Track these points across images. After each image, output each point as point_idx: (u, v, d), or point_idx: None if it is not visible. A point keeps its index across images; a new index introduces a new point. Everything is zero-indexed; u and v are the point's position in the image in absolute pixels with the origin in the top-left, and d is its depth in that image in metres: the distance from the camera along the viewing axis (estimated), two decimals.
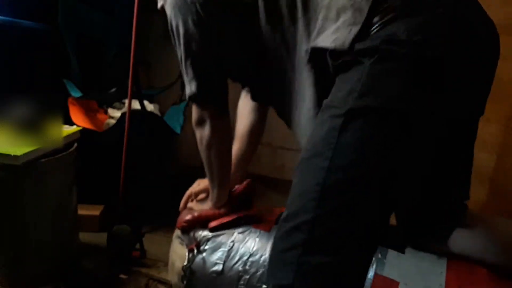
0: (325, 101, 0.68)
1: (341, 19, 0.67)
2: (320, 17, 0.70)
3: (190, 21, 0.84)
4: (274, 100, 0.93)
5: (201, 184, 1.16)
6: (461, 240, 0.89)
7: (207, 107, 0.93)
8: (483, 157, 1.64)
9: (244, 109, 1.15)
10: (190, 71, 0.89)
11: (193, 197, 1.18)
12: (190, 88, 0.90)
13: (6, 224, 1.25)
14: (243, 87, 1.09)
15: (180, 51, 0.88)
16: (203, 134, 0.97)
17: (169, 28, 0.89)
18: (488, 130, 1.62)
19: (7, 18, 1.57)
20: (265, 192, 2.20)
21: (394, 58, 0.61)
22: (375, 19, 0.64)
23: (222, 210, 1.10)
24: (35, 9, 1.72)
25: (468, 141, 0.81)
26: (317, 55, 0.71)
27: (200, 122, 0.96)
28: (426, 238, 0.92)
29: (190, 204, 1.17)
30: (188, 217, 1.10)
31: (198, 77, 0.89)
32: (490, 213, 1.45)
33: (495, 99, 1.46)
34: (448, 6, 0.64)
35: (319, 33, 0.70)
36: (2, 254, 1.28)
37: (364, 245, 0.64)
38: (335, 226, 0.62)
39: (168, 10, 0.87)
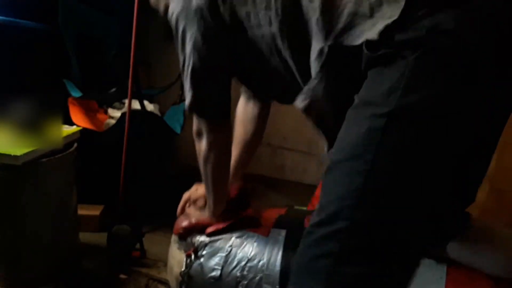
0: (360, 96, 0.62)
1: (378, 14, 0.61)
2: (346, 12, 0.64)
3: (196, 27, 0.82)
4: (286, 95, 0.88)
5: (199, 189, 1.15)
6: (459, 248, 0.88)
7: (204, 120, 0.92)
8: None
9: (244, 117, 1.14)
10: (188, 81, 0.87)
11: (190, 202, 1.17)
12: (187, 99, 0.90)
13: (6, 224, 1.25)
14: (248, 88, 1.07)
15: (182, 57, 0.87)
16: (200, 147, 0.97)
17: (174, 33, 0.87)
18: None
19: (7, 18, 1.57)
20: (265, 192, 2.20)
21: (441, 52, 0.56)
22: (419, 9, 0.58)
23: (220, 219, 1.10)
24: (35, 9, 1.72)
25: (494, 141, 0.78)
26: (336, 54, 0.66)
27: (198, 134, 0.96)
28: (440, 242, 0.90)
29: (188, 210, 1.17)
30: (185, 223, 1.10)
31: (195, 89, 0.87)
32: (492, 220, 1.45)
33: None
34: None
35: (345, 30, 0.64)
36: (2, 254, 1.28)
37: (404, 258, 0.59)
38: (373, 235, 0.57)
39: (174, 16, 0.85)
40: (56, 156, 1.27)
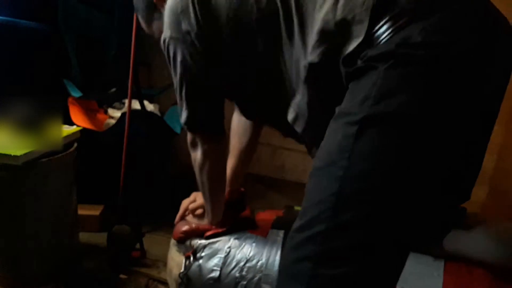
0: (339, 108, 0.65)
1: (345, 34, 0.65)
2: (316, 30, 0.68)
3: (186, 52, 0.84)
4: (272, 117, 0.92)
5: (197, 199, 1.16)
6: (456, 240, 0.89)
7: (198, 133, 0.95)
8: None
9: (238, 127, 1.17)
10: (184, 102, 0.90)
11: (189, 211, 1.18)
12: (183, 116, 0.93)
13: (6, 224, 1.25)
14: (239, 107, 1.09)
15: (176, 80, 0.90)
16: (195, 156, 0.99)
17: (166, 57, 0.90)
18: None
19: (7, 18, 1.57)
20: (265, 192, 2.20)
21: (410, 62, 0.58)
22: (385, 26, 0.61)
23: (219, 226, 1.11)
24: (35, 9, 1.72)
25: (482, 143, 0.77)
26: (315, 70, 0.70)
27: (193, 145, 0.98)
28: (430, 239, 0.91)
29: (187, 218, 1.17)
30: (185, 228, 1.11)
31: (190, 107, 0.90)
32: (486, 214, 1.45)
33: None
34: (460, 3, 0.62)
35: (314, 48, 0.68)
36: (2, 254, 1.28)
37: (382, 259, 0.61)
38: (350, 237, 0.59)
39: (166, 41, 0.88)
40: (56, 156, 1.27)
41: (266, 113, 0.95)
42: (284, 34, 0.74)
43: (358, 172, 0.59)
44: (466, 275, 0.86)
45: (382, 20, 0.62)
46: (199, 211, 1.15)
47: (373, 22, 0.62)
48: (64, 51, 1.80)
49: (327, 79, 0.71)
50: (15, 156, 1.15)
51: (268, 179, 2.39)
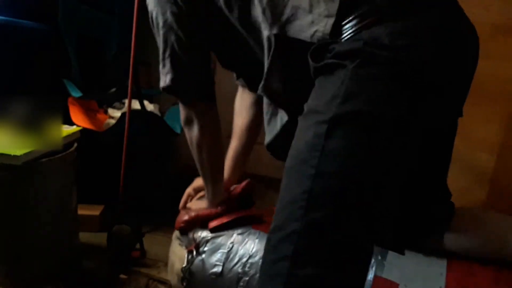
0: (307, 105, 0.66)
1: (316, 11, 0.66)
2: (290, 5, 0.69)
3: (168, 12, 0.84)
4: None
5: (200, 181, 1.16)
6: (454, 238, 0.89)
7: (190, 103, 0.94)
8: (483, 157, 1.64)
9: (241, 105, 1.15)
10: (167, 63, 0.89)
11: (193, 194, 1.18)
12: (164, 80, 0.92)
13: (6, 224, 1.25)
14: (235, 73, 1.08)
15: (159, 42, 0.89)
16: (192, 134, 0.99)
17: (150, 19, 0.89)
18: (488, 130, 1.62)
19: (7, 18, 1.57)
20: (265, 192, 2.20)
21: (377, 63, 0.60)
22: (354, 21, 0.63)
23: (219, 209, 1.10)
24: (35, 9, 1.72)
25: (447, 140, 0.81)
26: (282, 44, 0.70)
27: (188, 122, 0.98)
28: (422, 239, 0.92)
29: (189, 204, 1.17)
30: (186, 217, 1.10)
31: (174, 69, 0.89)
32: (480, 207, 1.45)
33: (495, 99, 1.46)
34: (431, 11, 0.64)
35: (289, 21, 0.69)
36: (2, 254, 1.28)
37: (355, 255, 0.61)
38: (323, 235, 0.59)
39: (150, 7, 0.88)
40: (56, 156, 1.27)
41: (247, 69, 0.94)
42: (256, 4, 0.74)
43: (328, 170, 0.60)
44: (469, 274, 0.86)
45: (352, 15, 0.63)
46: (201, 193, 1.15)
47: (343, 15, 0.63)
48: (64, 51, 1.80)
49: (294, 56, 0.71)
50: (15, 156, 1.15)
51: (268, 179, 2.39)
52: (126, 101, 1.57)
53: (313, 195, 0.59)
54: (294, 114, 0.73)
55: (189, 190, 1.19)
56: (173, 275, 1.13)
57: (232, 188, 1.17)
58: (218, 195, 1.09)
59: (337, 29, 0.64)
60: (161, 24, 0.86)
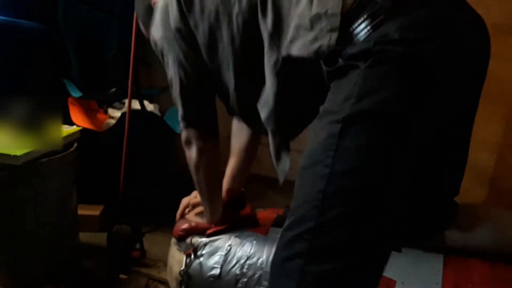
0: (322, 107, 0.67)
1: (317, 27, 0.66)
2: (293, 25, 0.70)
3: (178, 49, 0.86)
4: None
5: (198, 196, 1.16)
6: (455, 233, 0.89)
7: (193, 130, 0.96)
8: (483, 157, 1.64)
9: (238, 126, 1.16)
10: (178, 98, 0.92)
11: (190, 207, 1.18)
12: (179, 114, 0.95)
13: (6, 224, 1.25)
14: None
15: (169, 78, 0.92)
16: (190, 155, 1.00)
17: (159, 56, 0.92)
18: (488, 130, 1.62)
19: (7, 18, 1.57)
20: (265, 192, 2.20)
21: (389, 59, 0.60)
22: (364, 23, 0.63)
23: (217, 227, 1.11)
24: (35, 9, 1.72)
25: (462, 139, 0.80)
26: (289, 64, 0.71)
27: (187, 143, 0.99)
28: (422, 235, 0.92)
29: (187, 216, 1.18)
30: (185, 226, 1.11)
31: (184, 105, 0.92)
32: (481, 203, 1.45)
33: (495, 99, 1.46)
34: (436, 4, 0.64)
35: (292, 42, 0.70)
36: (2, 254, 1.28)
37: (369, 252, 0.62)
38: (337, 234, 0.60)
39: (156, 37, 0.90)
40: (56, 156, 1.27)
41: (247, 109, 0.95)
42: (262, 29, 0.75)
43: (343, 169, 0.60)
44: (465, 270, 0.87)
45: (360, 18, 0.63)
46: (198, 209, 1.16)
47: (351, 20, 0.64)
48: (64, 51, 1.80)
49: (299, 73, 0.73)
50: (15, 156, 1.15)
51: (268, 179, 2.39)
52: (126, 101, 1.57)
53: (327, 194, 0.60)
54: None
55: (186, 201, 1.19)
56: (172, 279, 1.13)
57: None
58: (216, 214, 1.10)
59: (345, 36, 0.64)
60: (171, 60, 0.88)
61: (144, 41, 1.61)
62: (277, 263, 0.66)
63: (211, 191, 1.06)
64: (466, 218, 0.90)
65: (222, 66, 0.86)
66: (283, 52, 0.71)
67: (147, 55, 2.25)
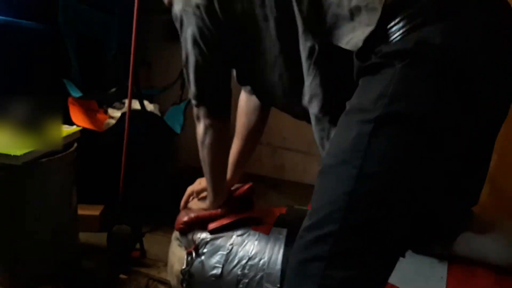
0: (351, 103, 0.64)
1: (357, 19, 0.64)
2: (330, 13, 0.67)
3: (195, 25, 0.83)
4: (276, 97, 0.90)
5: (202, 183, 1.16)
6: (467, 243, 0.88)
7: (202, 107, 0.95)
8: None
9: (245, 107, 1.14)
10: (192, 74, 0.90)
11: (194, 195, 1.17)
12: (191, 89, 0.93)
13: (6, 224, 1.25)
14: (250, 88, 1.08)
15: (185, 52, 0.89)
16: (198, 130, 0.99)
17: (178, 28, 0.89)
18: None
19: (7, 18, 1.57)
20: (265, 192, 2.20)
21: (428, 63, 0.58)
22: (402, 23, 0.61)
23: (219, 211, 1.10)
24: (35, 9, 1.72)
25: (488, 149, 0.78)
26: (326, 52, 0.69)
27: (197, 118, 0.98)
28: (432, 242, 0.91)
29: (190, 204, 1.17)
30: (185, 218, 1.10)
31: (197, 81, 0.90)
32: (494, 215, 1.45)
33: None
34: (480, 10, 0.61)
35: (331, 29, 0.68)
36: (2, 254, 1.28)
37: (391, 258, 0.61)
38: (363, 239, 0.58)
39: (177, 10, 0.87)
40: (56, 156, 1.27)
41: (274, 96, 0.93)
42: (296, 13, 0.72)
43: (373, 172, 0.58)
44: (470, 277, 0.86)
45: (398, 17, 0.61)
46: (203, 194, 1.15)
47: (389, 17, 0.61)
48: (64, 51, 1.80)
49: (336, 60, 0.70)
50: (15, 156, 1.15)
51: (268, 179, 2.39)
52: (126, 101, 1.57)
53: (354, 197, 0.58)
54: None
55: (190, 189, 1.19)
56: (173, 276, 1.13)
57: (233, 188, 1.17)
58: (219, 195, 1.09)
59: (381, 33, 0.62)
60: (189, 33, 0.86)
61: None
62: (296, 264, 0.64)
63: (214, 170, 1.04)
64: (478, 228, 0.89)
65: (251, 46, 0.83)
66: (319, 38, 0.69)
67: (147, 55, 2.26)
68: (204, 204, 1.13)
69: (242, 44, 0.85)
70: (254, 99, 1.11)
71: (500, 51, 0.62)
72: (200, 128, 0.98)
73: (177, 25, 0.89)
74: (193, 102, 0.95)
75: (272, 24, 0.77)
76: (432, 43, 0.57)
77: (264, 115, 1.14)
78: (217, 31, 0.83)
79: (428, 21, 0.59)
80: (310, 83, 0.75)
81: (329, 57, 0.70)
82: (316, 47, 0.70)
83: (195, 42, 0.85)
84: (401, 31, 0.60)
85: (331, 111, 0.75)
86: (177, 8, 0.87)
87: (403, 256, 0.64)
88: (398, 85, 0.57)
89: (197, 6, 0.82)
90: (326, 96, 0.74)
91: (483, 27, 0.61)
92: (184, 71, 0.92)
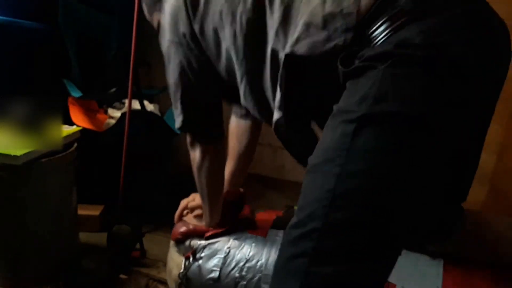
0: (336, 106, 0.65)
1: (332, 27, 0.64)
2: (301, 22, 0.68)
3: (183, 55, 0.85)
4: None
5: (196, 199, 1.16)
6: (456, 239, 0.89)
7: (196, 134, 0.96)
8: (483, 157, 1.63)
9: (236, 129, 1.17)
10: (179, 105, 0.91)
11: (188, 211, 1.18)
12: (177, 121, 0.94)
13: (6, 224, 1.25)
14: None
15: (171, 82, 0.90)
16: (194, 156, 1.00)
17: (165, 59, 0.91)
18: (488, 130, 1.62)
19: (7, 18, 1.57)
20: (265, 192, 2.20)
21: (410, 62, 0.58)
22: (383, 26, 0.61)
23: (216, 230, 1.11)
24: (35, 9, 1.72)
25: (478, 143, 0.78)
26: (293, 63, 0.69)
27: (192, 145, 0.99)
28: (426, 240, 0.92)
29: (185, 218, 1.18)
30: (183, 229, 1.11)
31: (186, 111, 0.91)
32: (487, 212, 1.45)
33: None
34: (460, 6, 0.62)
35: (299, 40, 0.68)
36: (2, 254, 1.28)
37: (376, 257, 0.60)
38: (345, 235, 0.58)
39: (164, 43, 0.89)
40: (56, 156, 1.27)
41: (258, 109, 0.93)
42: (269, 25, 0.73)
43: (355, 169, 0.58)
44: (465, 274, 0.87)
45: (379, 20, 0.62)
46: (197, 212, 1.16)
47: (369, 22, 0.62)
48: (64, 51, 1.80)
49: (308, 71, 0.70)
50: (15, 156, 1.15)
51: (268, 179, 2.39)
52: (126, 101, 1.57)
53: (337, 194, 0.58)
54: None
55: (184, 203, 1.19)
56: (171, 281, 1.13)
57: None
58: (215, 217, 1.10)
59: (363, 38, 0.63)
60: (175, 63, 0.87)
61: (144, 41, 1.61)
62: (282, 260, 0.65)
63: (212, 194, 1.05)
64: (471, 226, 0.89)
65: (227, 66, 0.85)
66: (287, 49, 0.69)
67: (147, 55, 2.25)
68: (200, 223, 1.14)
69: (222, 64, 0.86)
70: (243, 123, 1.12)
71: (483, 43, 0.63)
72: (197, 154, 0.98)
73: (165, 57, 0.90)
74: (184, 130, 0.95)
75: (239, 40, 0.78)
76: (412, 44, 0.58)
77: (254, 137, 1.16)
78: (203, 56, 0.85)
79: (408, 21, 0.60)
80: (280, 98, 0.74)
81: (296, 69, 0.70)
82: (283, 57, 0.70)
83: (182, 72, 0.87)
84: (382, 35, 0.61)
85: (291, 122, 0.76)
86: (164, 41, 0.89)
87: (394, 255, 0.64)
88: (382, 86, 0.58)
89: (184, 35, 0.84)
90: (287, 110, 0.74)
91: (463, 21, 0.61)
92: (173, 99, 0.93)
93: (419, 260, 0.91)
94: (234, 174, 1.18)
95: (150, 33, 0.95)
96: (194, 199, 1.17)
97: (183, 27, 0.84)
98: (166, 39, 0.88)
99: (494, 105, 0.74)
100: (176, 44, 0.86)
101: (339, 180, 0.59)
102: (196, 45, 0.84)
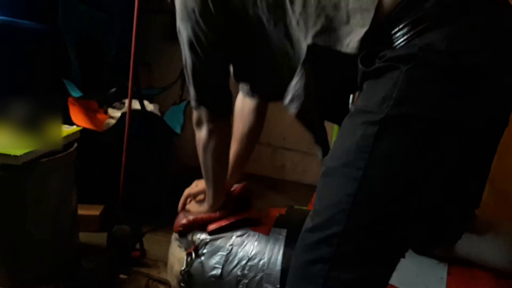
0: (356, 105, 0.64)
1: (353, 21, 0.64)
2: (324, 15, 0.67)
3: (191, 30, 0.84)
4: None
5: (199, 185, 1.16)
6: (469, 245, 0.88)
7: (204, 110, 0.94)
8: None
9: (242, 110, 1.15)
10: (190, 78, 0.90)
11: (191, 198, 1.18)
12: (191, 98, 0.93)
13: (6, 224, 1.25)
14: (248, 84, 1.08)
15: (183, 57, 0.90)
16: (200, 135, 0.98)
17: (177, 29, 0.90)
18: None
19: (7, 18, 1.57)
20: (265, 192, 2.20)
21: (433, 66, 0.57)
22: (406, 28, 0.60)
23: (218, 213, 1.10)
24: (35, 9, 1.72)
25: (491, 149, 0.78)
26: (315, 52, 0.69)
27: (198, 123, 0.98)
28: (434, 243, 0.91)
29: (188, 206, 1.17)
30: (184, 221, 1.10)
31: (196, 85, 0.91)
32: (497, 218, 1.45)
33: None
34: (485, 13, 0.61)
35: (322, 33, 0.67)
36: (3, 254, 1.28)
37: (393, 260, 0.61)
38: (366, 241, 0.58)
39: (177, 15, 0.87)
40: (56, 156, 1.27)
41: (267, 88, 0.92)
42: (289, 14, 0.72)
43: (377, 174, 0.58)
44: (470, 279, 0.86)
45: (402, 22, 0.61)
46: (200, 197, 1.15)
47: (393, 23, 0.61)
48: (64, 51, 1.80)
49: (327, 63, 0.70)
50: (15, 156, 1.15)
51: (268, 179, 2.39)
52: (126, 101, 1.57)
53: (358, 198, 0.57)
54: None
55: (187, 192, 1.19)
56: (173, 277, 1.13)
57: (231, 189, 1.17)
58: (219, 200, 1.09)
59: (385, 38, 0.62)
60: (185, 38, 0.86)
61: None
62: (298, 266, 0.64)
63: (216, 175, 1.04)
64: (479, 231, 0.89)
65: (246, 43, 0.84)
66: (308, 40, 0.68)
67: (147, 55, 2.26)
68: (203, 207, 1.13)
69: (239, 42, 0.86)
70: (249, 103, 1.11)
71: (506, 52, 0.62)
72: (203, 133, 0.97)
73: (178, 32, 0.90)
74: (193, 104, 0.95)
75: (265, 24, 0.77)
76: (437, 50, 0.57)
77: (260, 118, 1.14)
78: (213, 32, 0.84)
79: (433, 26, 0.59)
80: (295, 84, 0.74)
81: (318, 60, 0.70)
82: (306, 47, 0.70)
83: (191, 46, 0.86)
84: (405, 37, 0.60)
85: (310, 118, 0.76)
86: (177, 16, 0.87)
87: (403, 257, 0.64)
88: (404, 87, 0.57)
89: (193, 10, 0.83)
90: (307, 100, 0.73)
91: (488, 29, 0.61)
92: (185, 73, 0.93)
93: (423, 263, 0.90)
94: (237, 158, 1.15)
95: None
96: (197, 185, 1.17)
97: (191, 2, 0.82)
98: (178, 14, 0.87)
99: (509, 114, 0.73)
100: (184, 18, 0.85)
101: (360, 184, 0.58)
102: (206, 19, 0.82)
